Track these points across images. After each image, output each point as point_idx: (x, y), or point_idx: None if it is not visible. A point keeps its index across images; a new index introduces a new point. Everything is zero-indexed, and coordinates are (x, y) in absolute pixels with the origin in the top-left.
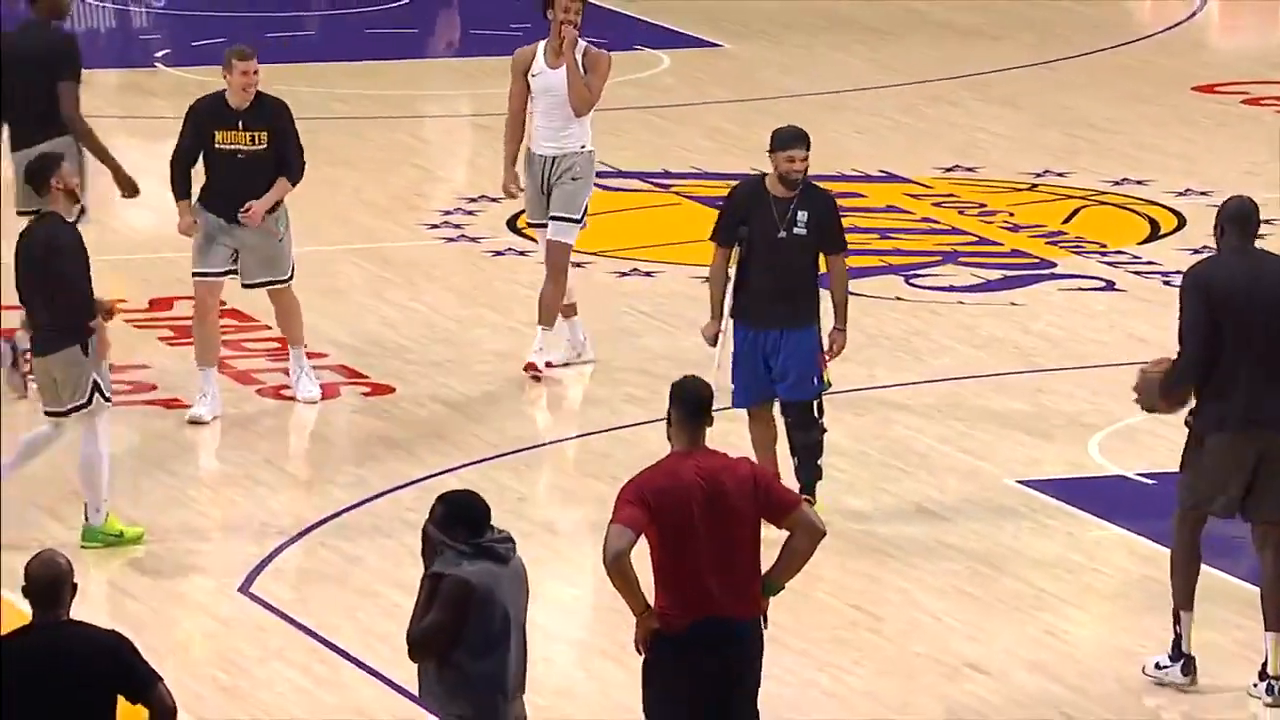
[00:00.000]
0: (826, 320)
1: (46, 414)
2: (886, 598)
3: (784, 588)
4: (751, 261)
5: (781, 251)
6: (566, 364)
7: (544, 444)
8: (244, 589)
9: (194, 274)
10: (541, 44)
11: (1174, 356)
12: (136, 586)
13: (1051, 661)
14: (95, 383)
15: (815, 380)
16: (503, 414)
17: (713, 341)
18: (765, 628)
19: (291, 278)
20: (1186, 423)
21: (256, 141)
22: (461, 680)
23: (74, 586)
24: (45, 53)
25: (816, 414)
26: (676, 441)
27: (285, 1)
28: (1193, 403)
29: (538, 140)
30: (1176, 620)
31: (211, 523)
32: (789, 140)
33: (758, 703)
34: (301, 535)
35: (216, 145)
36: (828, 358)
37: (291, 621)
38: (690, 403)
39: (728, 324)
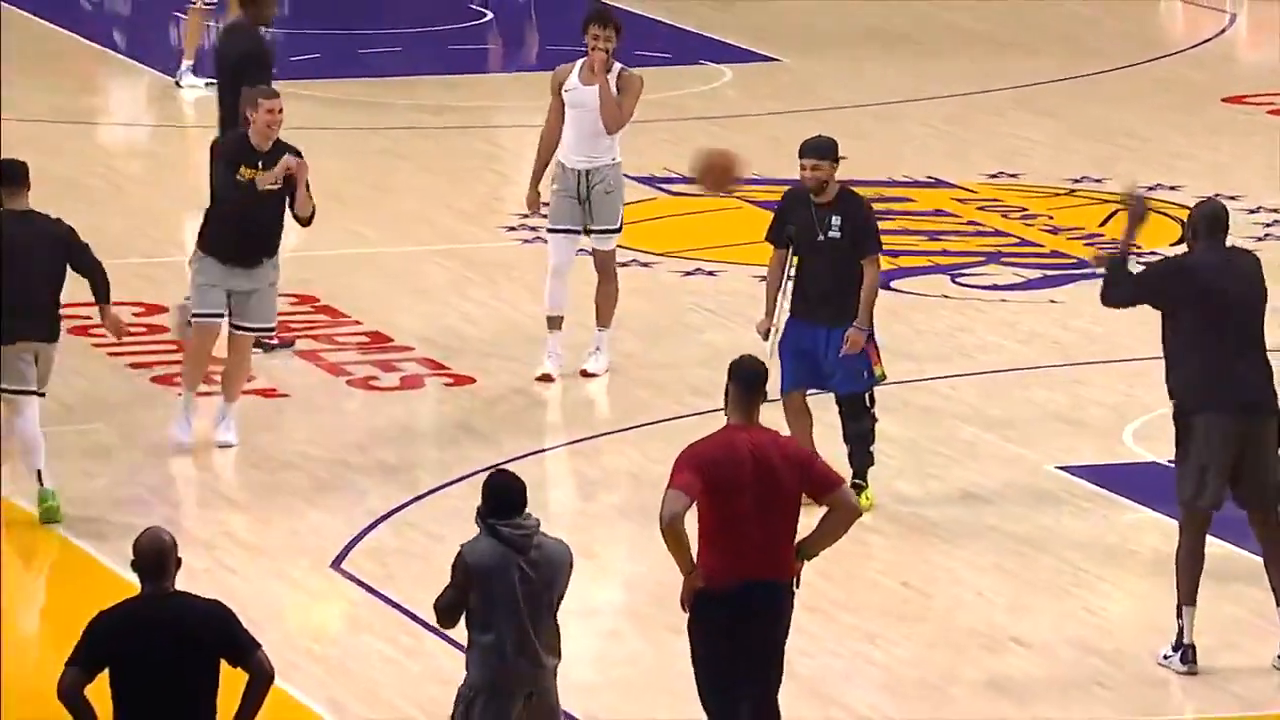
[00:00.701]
0: (879, 318)
1: (16, 392)
2: (934, 576)
3: (816, 555)
4: (800, 263)
5: (821, 254)
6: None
7: (613, 431)
8: (336, 565)
9: (194, 314)
10: (579, 62)
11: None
12: (237, 562)
13: (1089, 636)
14: None
15: (865, 374)
16: (575, 403)
17: (765, 335)
18: (797, 588)
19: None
20: (1175, 419)
21: (274, 181)
22: (471, 650)
23: (178, 561)
24: (240, 54)
25: (868, 404)
26: (732, 415)
27: (376, 19)
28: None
29: (569, 153)
30: (1179, 614)
31: (306, 504)
32: (803, 151)
33: (784, 656)
34: (389, 516)
35: (237, 179)
36: (844, 352)
37: (380, 596)
38: (746, 379)
39: (780, 317)
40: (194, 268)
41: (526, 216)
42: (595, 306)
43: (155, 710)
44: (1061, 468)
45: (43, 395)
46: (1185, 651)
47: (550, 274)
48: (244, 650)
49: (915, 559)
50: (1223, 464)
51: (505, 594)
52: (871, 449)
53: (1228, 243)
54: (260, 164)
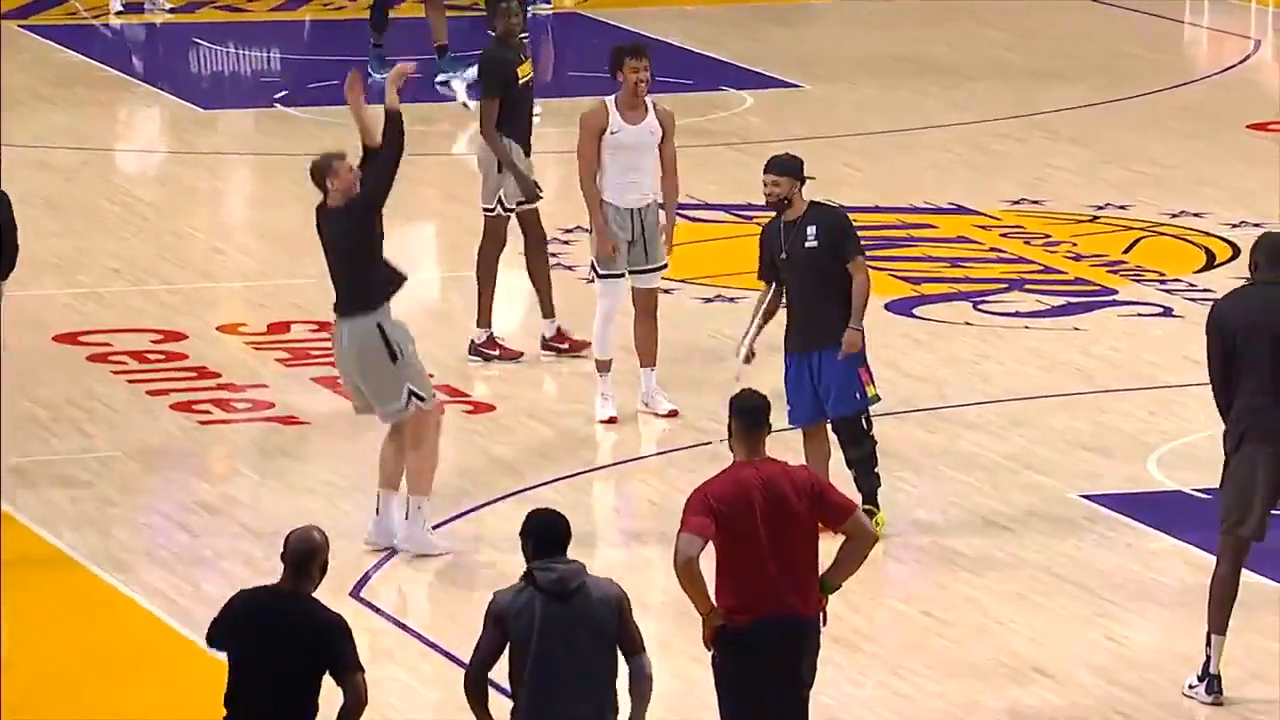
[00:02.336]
0: (899, 344)
1: None
2: (956, 604)
3: (839, 587)
4: (786, 288)
5: (799, 268)
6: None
7: (634, 459)
8: (355, 594)
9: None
10: (609, 102)
11: None
12: None
13: (1112, 665)
14: None
15: (858, 395)
16: (595, 430)
17: (738, 354)
18: (824, 624)
19: None
20: (1224, 447)
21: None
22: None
23: (324, 564)
24: (482, 67)
25: (865, 427)
26: (737, 451)
27: (391, 47)
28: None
29: (623, 194)
30: (1208, 642)
31: (327, 531)
32: (765, 168)
33: (809, 697)
34: None
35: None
36: (842, 354)
37: (399, 624)
38: (747, 414)
39: (751, 334)
40: (412, 346)
41: (547, 243)
42: (638, 348)
43: (259, 700)
44: (1084, 495)
45: None
46: (1211, 681)
47: (603, 319)
48: (346, 668)
49: (937, 588)
50: (1262, 496)
51: (531, 647)
52: (876, 470)
53: None
54: None
